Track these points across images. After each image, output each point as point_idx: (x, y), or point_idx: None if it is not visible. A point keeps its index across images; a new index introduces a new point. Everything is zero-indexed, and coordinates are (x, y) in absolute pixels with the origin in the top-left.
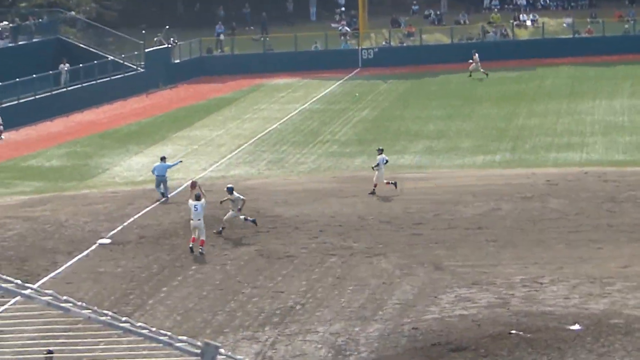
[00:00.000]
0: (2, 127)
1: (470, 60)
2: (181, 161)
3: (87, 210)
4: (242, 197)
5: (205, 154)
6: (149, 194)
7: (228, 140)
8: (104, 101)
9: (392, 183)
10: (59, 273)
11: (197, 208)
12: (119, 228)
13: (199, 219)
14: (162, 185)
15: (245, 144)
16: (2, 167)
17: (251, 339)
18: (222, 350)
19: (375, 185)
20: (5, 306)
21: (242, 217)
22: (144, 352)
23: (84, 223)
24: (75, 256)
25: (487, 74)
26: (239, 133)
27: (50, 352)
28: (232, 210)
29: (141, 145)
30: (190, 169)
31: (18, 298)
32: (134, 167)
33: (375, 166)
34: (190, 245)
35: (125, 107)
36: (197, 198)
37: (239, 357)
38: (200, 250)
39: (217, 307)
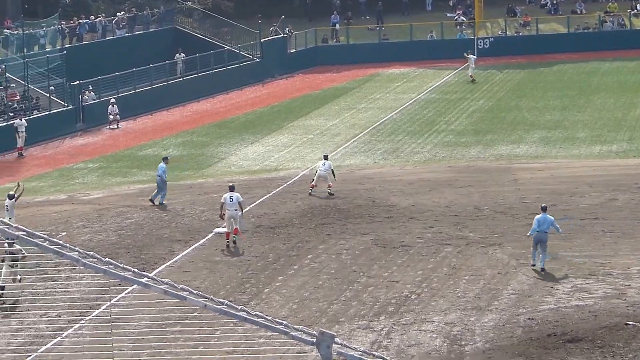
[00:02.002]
0: (118, 116)
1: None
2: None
3: (203, 199)
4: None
5: (321, 143)
6: (265, 183)
7: (343, 129)
8: (220, 91)
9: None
10: (175, 262)
11: (232, 199)
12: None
13: (235, 209)
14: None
15: (361, 134)
16: (120, 156)
17: (366, 329)
18: (337, 340)
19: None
20: (123, 294)
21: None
22: (260, 341)
23: (201, 212)
24: (192, 245)
25: (474, 80)
26: (354, 122)
27: None
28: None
29: (257, 135)
30: (306, 158)
31: (135, 286)
32: (249, 156)
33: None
34: (227, 241)
35: (241, 96)
36: (232, 189)
37: (354, 346)
38: (234, 238)
39: (333, 296)
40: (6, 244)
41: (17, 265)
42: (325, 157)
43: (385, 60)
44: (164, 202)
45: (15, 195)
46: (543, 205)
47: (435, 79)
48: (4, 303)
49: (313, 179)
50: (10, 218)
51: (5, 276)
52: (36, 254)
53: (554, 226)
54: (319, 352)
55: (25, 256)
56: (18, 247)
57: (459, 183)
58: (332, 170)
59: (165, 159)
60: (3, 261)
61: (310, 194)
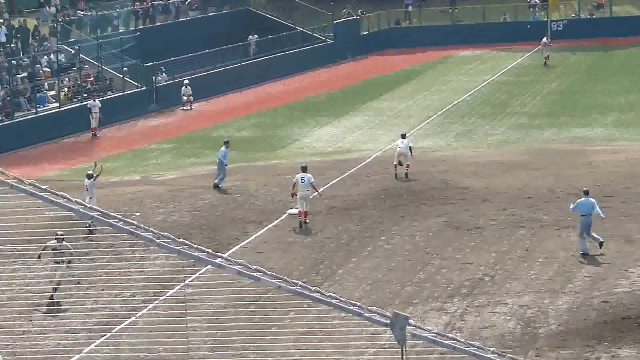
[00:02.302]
0: (192, 97)
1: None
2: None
3: (276, 181)
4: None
5: (394, 125)
6: (338, 165)
7: (416, 111)
8: (293, 72)
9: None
10: (249, 242)
11: (304, 180)
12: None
13: (307, 190)
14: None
15: (434, 116)
16: (193, 137)
17: (440, 310)
18: (411, 321)
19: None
20: (197, 274)
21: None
22: (334, 322)
23: (274, 193)
24: (265, 226)
25: (547, 63)
26: (428, 104)
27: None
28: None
29: (330, 117)
30: (379, 140)
31: (209, 267)
32: (323, 138)
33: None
34: (300, 219)
35: (313, 78)
36: (304, 170)
37: (427, 327)
38: (305, 220)
39: (406, 278)
40: (54, 241)
41: (66, 262)
42: (403, 136)
43: (458, 43)
44: (221, 186)
45: (94, 175)
46: (585, 189)
47: (509, 61)
48: (59, 303)
49: (394, 161)
50: (90, 198)
51: (58, 277)
52: (111, 234)
53: (596, 210)
54: (393, 334)
55: (72, 254)
56: (66, 244)
57: (532, 165)
58: (410, 148)
59: (226, 143)
60: (57, 263)
61: (396, 176)
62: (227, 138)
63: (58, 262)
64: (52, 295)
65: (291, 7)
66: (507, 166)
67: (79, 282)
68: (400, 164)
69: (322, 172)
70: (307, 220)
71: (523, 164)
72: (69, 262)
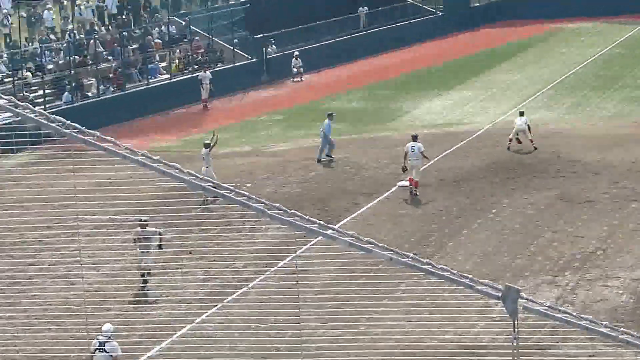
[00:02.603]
0: (302, 69)
1: None
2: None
3: (387, 153)
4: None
5: (505, 97)
6: (448, 138)
7: (527, 84)
8: (403, 44)
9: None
10: (359, 214)
11: (414, 149)
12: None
13: (416, 159)
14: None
15: (545, 88)
16: (303, 108)
17: (551, 284)
18: (523, 294)
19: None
20: (307, 246)
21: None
22: (444, 294)
23: (384, 165)
24: (376, 198)
25: None
26: (539, 77)
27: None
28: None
29: (441, 89)
30: (489, 112)
31: (320, 238)
32: (433, 110)
33: None
34: (410, 187)
35: (424, 50)
36: (414, 139)
37: (539, 301)
38: (415, 191)
39: (517, 251)
40: (138, 228)
41: (156, 247)
42: (521, 114)
43: (570, 15)
44: (324, 159)
45: (210, 144)
46: None
47: (621, 33)
48: (145, 295)
49: (511, 136)
50: (207, 167)
51: (147, 262)
52: (222, 205)
53: None
54: (505, 307)
55: (162, 239)
56: (153, 229)
57: None
58: (528, 125)
59: (330, 115)
60: (144, 250)
61: (508, 148)
62: (331, 111)
63: (144, 250)
64: (143, 281)
65: None
66: (619, 139)
67: (190, 253)
68: (519, 141)
69: (432, 144)
70: (417, 192)
71: (635, 138)
72: (160, 247)
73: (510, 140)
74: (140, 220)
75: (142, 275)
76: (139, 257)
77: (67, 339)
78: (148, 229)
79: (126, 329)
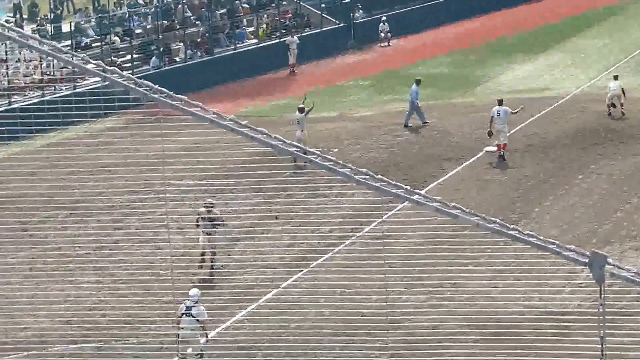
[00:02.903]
0: (390, 34)
1: None
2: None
3: (473, 119)
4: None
5: (591, 63)
6: (535, 103)
7: (615, 49)
8: (490, 10)
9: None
10: (445, 180)
11: (499, 113)
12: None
13: (502, 124)
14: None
15: (633, 54)
16: (390, 74)
17: (638, 250)
18: (610, 260)
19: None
20: (393, 211)
21: None
22: (530, 260)
23: (471, 131)
24: (462, 163)
25: None
26: (627, 42)
27: None
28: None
29: (527, 54)
30: (577, 78)
31: (406, 203)
32: (519, 76)
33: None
34: (489, 149)
35: (511, 16)
36: (500, 103)
37: (626, 267)
38: (503, 153)
39: (603, 217)
40: (203, 208)
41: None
42: (615, 77)
43: None
44: (410, 124)
45: (305, 109)
46: None
47: None
48: (212, 274)
49: (607, 101)
50: (302, 130)
51: (204, 248)
52: (309, 170)
53: None
54: (592, 273)
55: (224, 220)
56: (216, 211)
57: None
58: (622, 89)
59: (417, 81)
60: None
61: (609, 115)
62: (418, 77)
63: (209, 233)
64: (201, 264)
65: None
66: None
67: (277, 218)
68: (613, 105)
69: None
70: (505, 154)
71: None
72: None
73: (608, 106)
74: (205, 202)
75: (203, 257)
76: (202, 240)
77: (153, 303)
78: (213, 211)
79: (212, 293)
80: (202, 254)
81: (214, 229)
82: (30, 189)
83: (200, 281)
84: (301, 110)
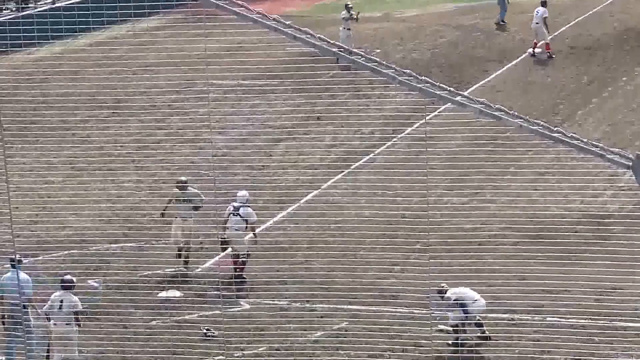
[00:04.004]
0: None
1: None
2: None
3: (517, 19)
4: None
5: None
6: (580, 5)
7: None
8: None
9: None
10: (488, 81)
11: (537, 12)
12: (549, 38)
13: (537, 23)
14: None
15: None
16: None
17: None
18: None
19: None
20: (435, 112)
21: None
22: (572, 163)
23: (515, 32)
24: (505, 65)
25: None
26: None
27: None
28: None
29: None
30: None
31: (449, 105)
32: None
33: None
34: (530, 51)
35: None
36: (543, 4)
37: None
38: (547, 54)
39: None
40: (176, 189)
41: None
42: None
43: None
44: (504, 22)
45: (352, 13)
46: None
47: None
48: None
49: None
50: (347, 29)
51: (177, 237)
52: (352, 72)
53: None
54: (635, 176)
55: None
56: (194, 189)
57: None
58: None
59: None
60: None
61: None
62: None
63: (185, 216)
64: (179, 254)
65: None
66: None
67: (319, 118)
68: None
69: (563, 11)
70: (550, 54)
71: None
72: (197, 209)
73: None
74: (179, 181)
75: (179, 251)
76: (176, 225)
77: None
78: (189, 189)
79: (253, 194)
80: (179, 249)
81: (190, 213)
82: (72, 88)
83: (241, 181)
84: (348, 9)
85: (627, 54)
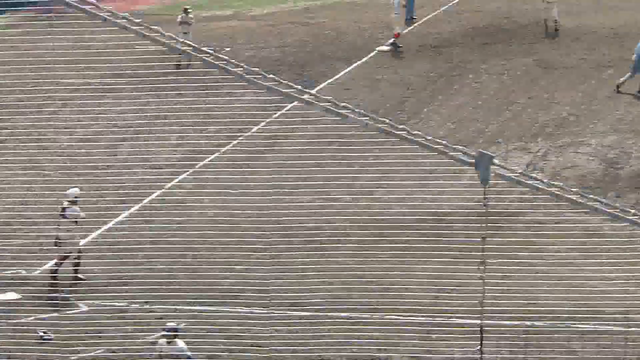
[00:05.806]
0: None
1: None
2: None
3: (367, 18)
4: None
5: None
6: (432, 2)
7: None
8: None
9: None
10: (337, 79)
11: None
12: (404, 31)
13: (397, 13)
14: None
15: None
16: None
17: (522, 150)
18: (495, 160)
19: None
20: (283, 111)
21: None
22: (417, 160)
23: (363, 30)
24: (354, 63)
25: None
26: None
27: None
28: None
29: None
30: None
31: (296, 103)
32: None
33: None
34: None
35: None
36: None
37: (511, 167)
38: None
39: (491, 117)
40: (66, 202)
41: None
42: None
43: None
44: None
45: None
46: None
47: None
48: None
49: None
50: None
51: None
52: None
53: None
54: (477, 173)
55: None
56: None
57: (624, 4)
58: None
59: None
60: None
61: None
62: None
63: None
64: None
65: None
66: (600, 6)
67: (165, 117)
68: None
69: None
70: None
71: (615, 3)
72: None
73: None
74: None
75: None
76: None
77: (34, 204)
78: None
79: (96, 194)
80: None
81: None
82: None
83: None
84: (187, 12)
85: (474, 52)
